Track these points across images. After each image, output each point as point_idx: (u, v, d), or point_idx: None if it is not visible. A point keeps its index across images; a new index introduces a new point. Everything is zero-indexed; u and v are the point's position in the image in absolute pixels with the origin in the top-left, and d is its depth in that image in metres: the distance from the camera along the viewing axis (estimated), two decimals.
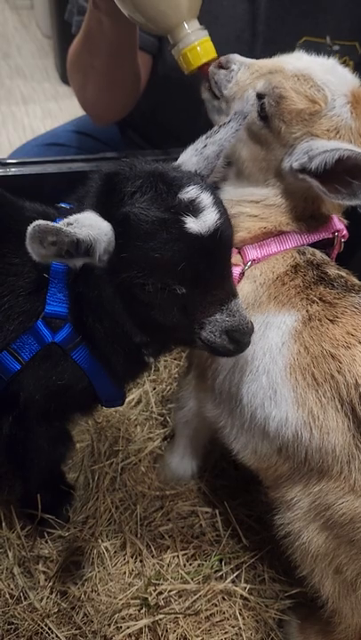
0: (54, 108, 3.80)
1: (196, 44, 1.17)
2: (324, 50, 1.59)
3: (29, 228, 0.81)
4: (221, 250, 0.93)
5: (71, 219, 0.86)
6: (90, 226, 0.87)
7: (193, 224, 0.89)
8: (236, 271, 1.12)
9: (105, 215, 0.90)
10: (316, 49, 1.57)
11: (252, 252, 1.16)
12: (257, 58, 1.55)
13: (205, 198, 0.91)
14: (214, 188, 0.97)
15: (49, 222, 0.82)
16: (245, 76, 1.19)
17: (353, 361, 1.02)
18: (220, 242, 0.92)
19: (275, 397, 1.09)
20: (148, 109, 1.69)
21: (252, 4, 1.53)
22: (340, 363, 1.03)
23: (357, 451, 1.02)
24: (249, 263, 1.15)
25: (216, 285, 0.94)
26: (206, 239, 0.89)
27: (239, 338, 0.95)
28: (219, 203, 0.93)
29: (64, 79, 3.91)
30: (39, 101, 3.89)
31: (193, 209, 0.90)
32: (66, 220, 0.86)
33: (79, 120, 2.02)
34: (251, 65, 1.20)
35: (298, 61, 1.15)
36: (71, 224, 0.85)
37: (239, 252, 1.17)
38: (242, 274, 1.15)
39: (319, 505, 1.07)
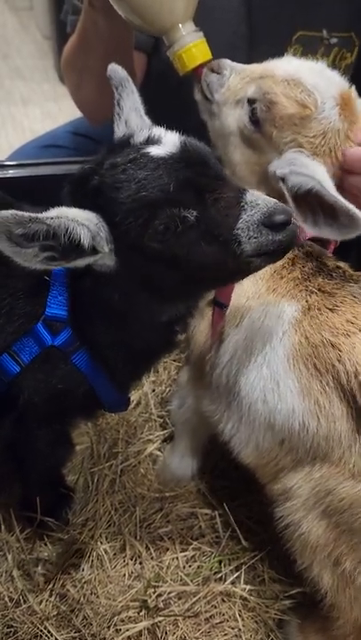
0: (54, 108, 3.80)
1: (191, 46, 1.17)
2: (321, 43, 1.59)
3: None
4: (200, 156, 0.89)
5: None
6: (61, 212, 0.83)
7: (159, 149, 0.87)
8: None
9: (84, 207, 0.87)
10: (313, 43, 1.58)
11: None
12: (255, 53, 1.55)
13: (157, 131, 0.91)
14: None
15: (11, 211, 0.77)
16: (236, 81, 1.20)
17: (353, 349, 1.04)
18: (195, 150, 0.88)
19: (278, 389, 1.10)
20: (144, 108, 1.69)
21: None
22: (341, 351, 1.04)
23: (359, 435, 1.03)
24: None
25: (219, 188, 0.87)
26: (179, 154, 0.87)
27: (279, 219, 0.85)
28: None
29: (63, 80, 3.91)
30: (39, 102, 3.89)
31: (152, 142, 0.89)
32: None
33: (78, 121, 2.01)
34: (242, 70, 1.21)
35: (288, 65, 1.16)
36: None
37: None
38: None
39: (319, 491, 1.07)
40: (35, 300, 1.04)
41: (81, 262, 0.88)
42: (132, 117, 1.01)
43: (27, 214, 0.79)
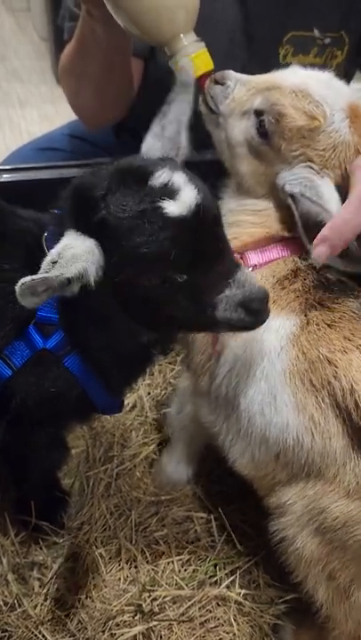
0: (51, 110, 3.80)
1: (194, 57, 1.16)
2: (314, 43, 1.59)
3: (17, 289, 0.79)
4: (209, 225, 0.90)
5: (54, 254, 0.84)
6: (75, 256, 0.84)
7: (173, 207, 0.85)
8: None
9: (85, 228, 0.88)
10: (304, 43, 1.58)
11: (254, 258, 1.16)
12: (250, 59, 1.54)
13: (178, 178, 0.88)
14: (185, 168, 0.94)
15: (34, 277, 0.79)
16: (242, 92, 1.18)
17: (349, 365, 1.02)
18: (206, 217, 0.88)
19: (274, 403, 1.09)
20: (142, 113, 1.69)
21: (243, 6, 1.53)
22: (337, 367, 1.03)
23: (354, 453, 1.02)
24: (250, 269, 1.15)
25: (216, 262, 0.90)
26: (190, 218, 0.86)
27: (256, 307, 0.91)
28: (193, 179, 0.90)
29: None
30: (36, 104, 3.89)
31: (168, 192, 0.86)
32: (49, 259, 0.84)
33: (74, 124, 2.01)
34: (247, 82, 1.19)
35: (294, 77, 1.14)
36: (56, 262, 0.83)
37: (241, 258, 1.17)
38: None
39: (313, 509, 1.07)
40: None
41: (76, 288, 0.89)
42: (171, 127, 1.00)
43: (53, 277, 0.82)
